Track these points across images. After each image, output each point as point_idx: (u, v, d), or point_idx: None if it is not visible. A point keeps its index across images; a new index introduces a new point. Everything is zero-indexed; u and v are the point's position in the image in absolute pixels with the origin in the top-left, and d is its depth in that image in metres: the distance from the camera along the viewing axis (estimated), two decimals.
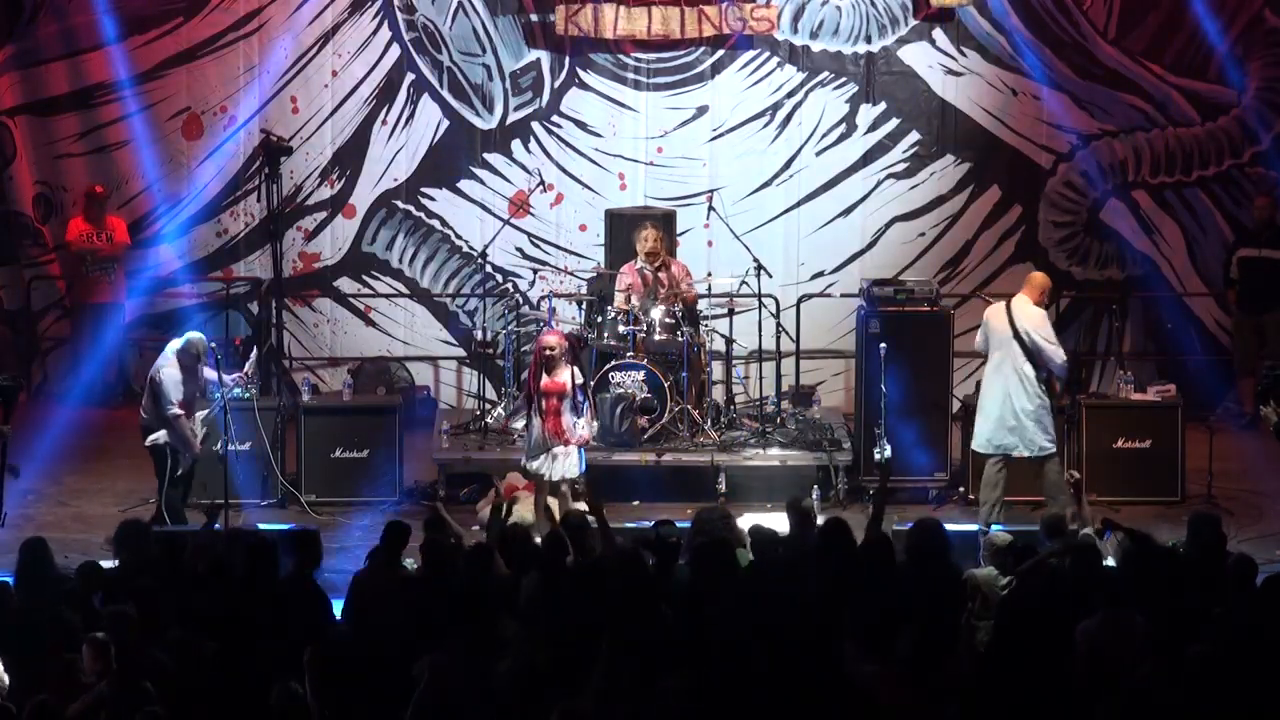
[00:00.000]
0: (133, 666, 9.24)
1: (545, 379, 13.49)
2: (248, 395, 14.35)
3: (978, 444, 14.18)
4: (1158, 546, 10.91)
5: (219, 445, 13.71)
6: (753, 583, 10.36)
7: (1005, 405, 13.94)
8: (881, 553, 10.78)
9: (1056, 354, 13.94)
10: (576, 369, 13.62)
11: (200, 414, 13.76)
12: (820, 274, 17.60)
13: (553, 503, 13.34)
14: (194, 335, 13.73)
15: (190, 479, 13.78)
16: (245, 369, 14.10)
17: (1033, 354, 13.90)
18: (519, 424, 14.91)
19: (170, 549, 11.26)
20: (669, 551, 10.75)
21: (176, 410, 13.45)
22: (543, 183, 17.23)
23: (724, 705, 8.92)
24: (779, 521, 11.79)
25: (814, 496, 14.01)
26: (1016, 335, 13.89)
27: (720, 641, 9.35)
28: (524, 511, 13.58)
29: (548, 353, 13.47)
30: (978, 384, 17.05)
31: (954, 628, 10.34)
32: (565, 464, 13.52)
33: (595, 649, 9.12)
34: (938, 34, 17.48)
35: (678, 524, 11.47)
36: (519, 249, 17.60)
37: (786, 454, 15.24)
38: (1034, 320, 13.98)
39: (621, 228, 16.30)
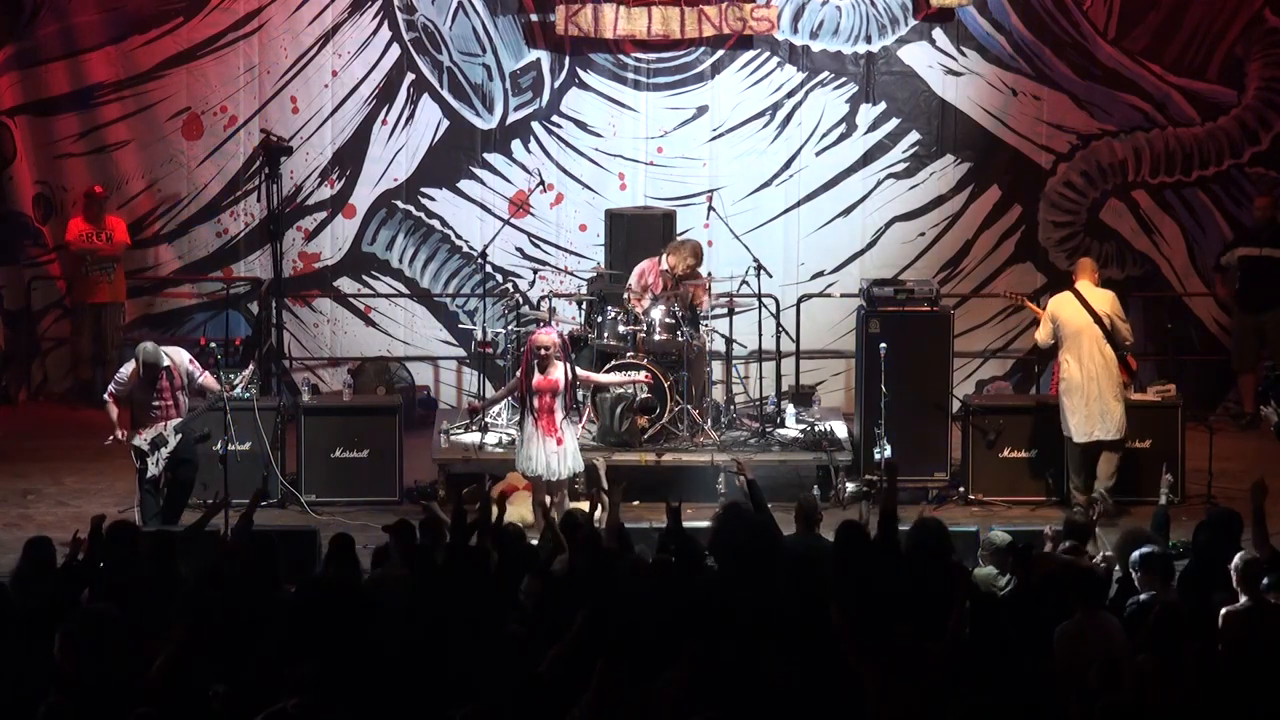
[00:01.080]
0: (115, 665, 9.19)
1: (538, 377, 13.50)
2: (247, 395, 14.36)
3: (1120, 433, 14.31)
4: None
5: (189, 451, 13.78)
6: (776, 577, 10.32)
7: (1115, 391, 14.14)
8: (897, 553, 10.72)
9: (1130, 331, 14.31)
10: (569, 366, 13.63)
11: (173, 422, 13.74)
12: (820, 274, 17.60)
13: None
14: (140, 345, 13.91)
15: (176, 487, 13.77)
16: (234, 379, 14.03)
17: (1110, 335, 14.03)
18: (511, 426, 14.92)
19: (160, 549, 11.16)
20: (692, 551, 10.69)
21: (105, 395, 13.97)
22: (543, 183, 17.22)
23: (724, 699, 8.90)
24: (782, 522, 11.78)
25: (814, 496, 13.97)
26: (1097, 319, 14.00)
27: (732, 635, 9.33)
28: (523, 511, 13.57)
29: (542, 351, 13.48)
30: (978, 383, 17.16)
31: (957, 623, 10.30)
32: (562, 462, 13.54)
33: (595, 651, 9.09)
34: (938, 34, 17.47)
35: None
36: (519, 249, 17.60)
37: (786, 454, 15.24)
38: (1110, 301, 14.29)
39: (621, 228, 16.31)
